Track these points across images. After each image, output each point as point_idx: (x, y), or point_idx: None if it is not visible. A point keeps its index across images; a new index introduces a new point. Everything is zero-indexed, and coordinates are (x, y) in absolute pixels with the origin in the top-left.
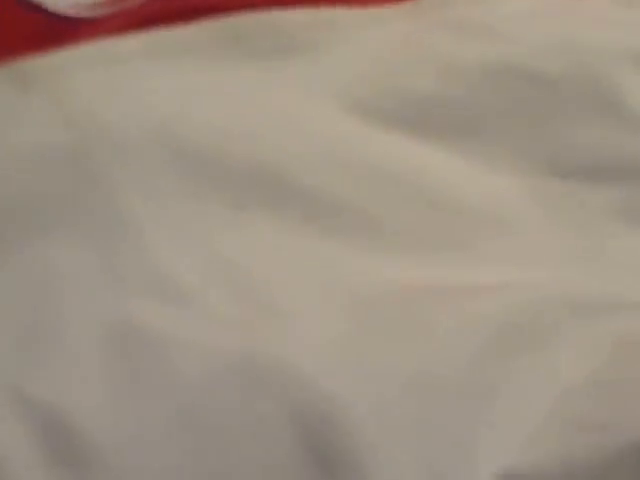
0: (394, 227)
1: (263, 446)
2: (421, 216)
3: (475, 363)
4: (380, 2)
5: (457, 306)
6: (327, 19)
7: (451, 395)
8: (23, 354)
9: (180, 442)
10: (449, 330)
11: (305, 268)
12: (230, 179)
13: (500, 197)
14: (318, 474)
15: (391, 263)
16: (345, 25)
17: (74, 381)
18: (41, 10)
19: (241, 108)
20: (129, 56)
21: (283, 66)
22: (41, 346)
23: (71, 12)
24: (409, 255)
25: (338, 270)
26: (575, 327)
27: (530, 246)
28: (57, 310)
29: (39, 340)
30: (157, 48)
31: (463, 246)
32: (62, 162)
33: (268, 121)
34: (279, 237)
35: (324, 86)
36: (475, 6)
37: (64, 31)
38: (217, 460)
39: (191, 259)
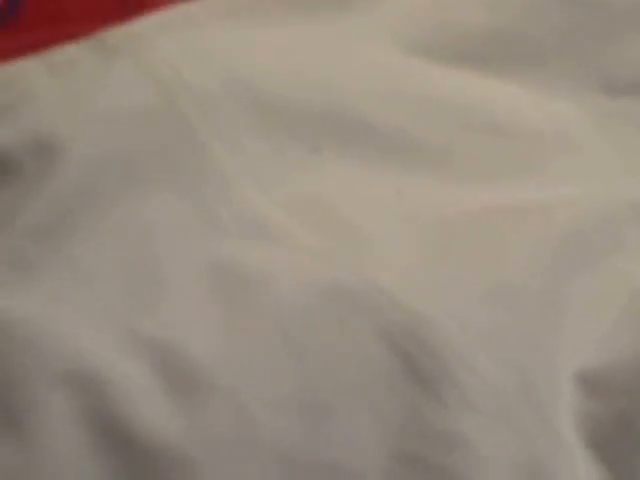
0: (465, 156)
1: (361, 364)
2: (489, 144)
3: (550, 271)
4: None
5: (529, 221)
6: None
7: (530, 303)
8: (133, 298)
9: (287, 367)
10: (523, 243)
11: (383, 199)
12: (305, 124)
13: (559, 120)
14: (412, 386)
15: (464, 189)
16: None
17: (183, 318)
18: None
19: (310, 58)
20: (204, 19)
21: (345, 17)
22: (148, 289)
23: None
24: (481, 181)
25: (414, 199)
26: None
27: (590, 163)
28: (158, 255)
29: (145, 283)
30: (227, 10)
31: (529, 168)
32: (152, 120)
33: (336, 67)
34: (355, 173)
35: (383, 31)
36: None
37: (136, 3)
38: (321, 380)
39: (275, 199)
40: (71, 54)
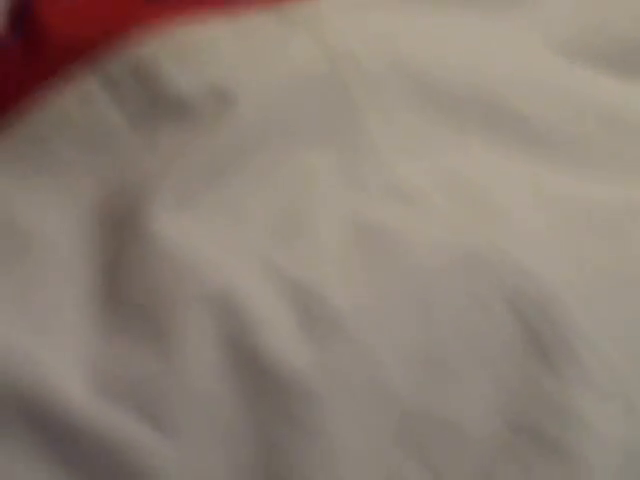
0: (603, 154)
1: (486, 331)
2: (629, 144)
3: None
4: None
5: None
6: None
7: None
8: (281, 239)
9: (416, 324)
10: None
11: (520, 183)
12: (454, 106)
13: None
14: (534, 358)
15: (602, 185)
16: None
17: (325, 264)
18: None
19: (464, 46)
20: (376, 3)
21: (500, 13)
22: (294, 231)
23: None
24: (619, 180)
25: (551, 187)
26: None
27: None
28: (309, 205)
29: (293, 227)
30: None
31: None
32: (321, 88)
33: (487, 57)
34: (496, 156)
35: (535, 30)
36: None
37: None
38: (447, 341)
39: (420, 169)
40: (256, 21)
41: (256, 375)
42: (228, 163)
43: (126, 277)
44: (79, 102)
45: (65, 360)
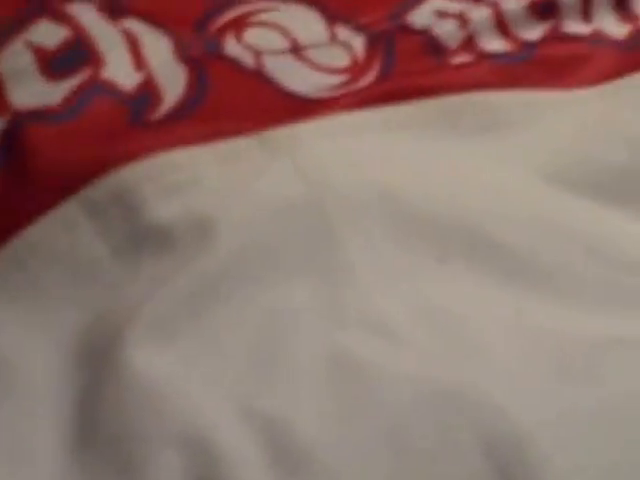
0: (588, 286)
1: (455, 469)
2: (613, 277)
3: None
4: (573, 84)
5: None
6: (528, 100)
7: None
8: (255, 374)
9: (385, 462)
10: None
11: (501, 315)
12: (436, 236)
13: None
14: None
15: (585, 318)
16: (544, 105)
17: (297, 399)
18: (282, 90)
19: (449, 176)
20: (359, 129)
21: (487, 141)
22: (270, 368)
23: (309, 93)
24: (603, 312)
25: (534, 320)
26: None
27: None
28: (286, 339)
29: (268, 362)
30: (382, 123)
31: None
32: (300, 217)
33: (472, 187)
34: (476, 287)
35: (521, 159)
36: None
37: (302, 108)
38: (415, 476)
39: (400, 302)
40: (238, 147)
41: None
42: (208, 294)
43: (102, 412)
44: (64, 230)
45: None
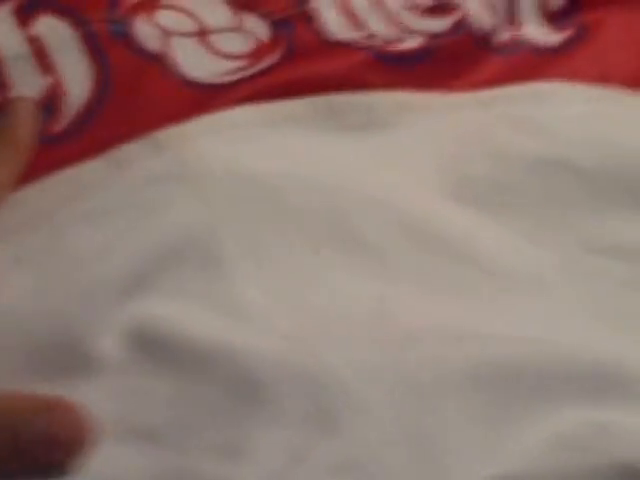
0: (440, 280)
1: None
2: (466, 274)
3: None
4: (463, 85)
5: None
6: (410, 102)
7: (450, 416)
8: None
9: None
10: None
11: (362, 305)
12: (310, 227)
13: (536, 265)
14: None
15: (435, 306)
16: (424, 108)
17: None
18: (182, 77)
19: (327, 171)
20: (246, 124)
21: (364, 140)
22: None
23: (207, 79)
24: (449, 303)
25: (393, 307)
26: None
27: (555, 311)
28: None
29: None
30: (270, 118)
31: (496, 301)
32: (179, 211)
33: (346, 183)
34: (346, 279)
35: (397, 158)
36: (537, 105)
37: (200, 99)
38: None
39: (268, 292)
40: (128, 151)
41: None
42: None
43: None
44: None
45: None
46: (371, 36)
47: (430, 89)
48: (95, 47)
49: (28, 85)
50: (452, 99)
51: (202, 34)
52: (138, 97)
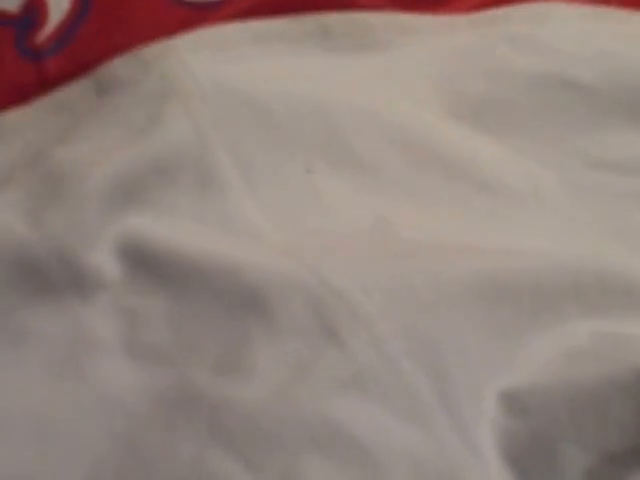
0: (437, 195)
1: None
2: (464, 190)
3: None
4: (452, 10)
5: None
6: (403, 23)
7: (462, 321)
8: None
9: None
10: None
11: (360, 221)
12: (304, 146)
13: (537, 181)
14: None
15: (434, 223)
16: (418, 30)
17: None
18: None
19: (317, 88)
20: (232, 42)
21: (360, 59)
22: None
23: None
24: (448, 221)
25: (390, 226)
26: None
27: (559, 225)
28: None
29: None
30: (255, 36)
31: (497, 216)
32: (170, 128)
33: (338, 100)
34: (342, 197)
35: (390, 80)
36: (536, 24)
37: (183, 18)
38: None
39: (260, 205)
40: (114, 69)
41: None
42: None
43: None
44: None
45: None
46: None
47: (420, 12)
48: None
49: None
50: (446, 20)
51: None
52: (122, 12)
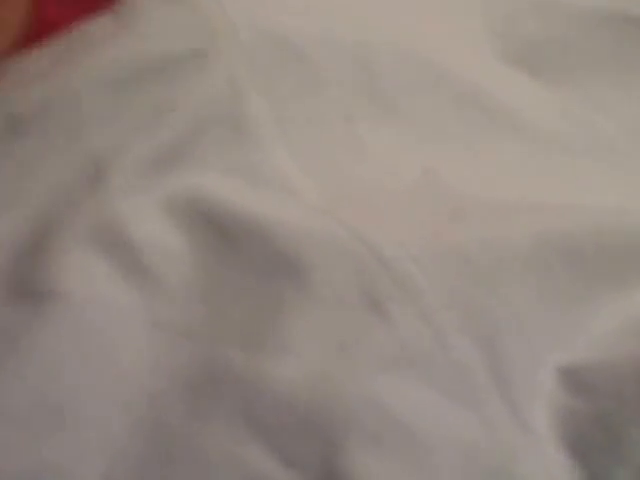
0: (489, 149)
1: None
2: (509, 138)
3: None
4: None
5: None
6: None
7: (520, 289)
8: None
9: None
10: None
11: (407, 177)
12: (341, 92)
13: (589, 129)
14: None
15: (485, 177)
16: None
17: None
18: None
19: (359, 25)
20: None
21: None
22: None
23: None
24: (499, 173)
25: (439, 180)
26: None
27: (615, 174)
28: None
29: None
30: None
31: (546, 167)
32: (197, 65)
33: (384, 40)
34: (384, 147)
35: (438, 16)
36: None
37: None
38: None
39: (298, 159)
40: (136, 2)
41: None
42: None
43: None
44: None
45: None
46: None
47: None
48: None
49: None
50: None
51: None
52: None
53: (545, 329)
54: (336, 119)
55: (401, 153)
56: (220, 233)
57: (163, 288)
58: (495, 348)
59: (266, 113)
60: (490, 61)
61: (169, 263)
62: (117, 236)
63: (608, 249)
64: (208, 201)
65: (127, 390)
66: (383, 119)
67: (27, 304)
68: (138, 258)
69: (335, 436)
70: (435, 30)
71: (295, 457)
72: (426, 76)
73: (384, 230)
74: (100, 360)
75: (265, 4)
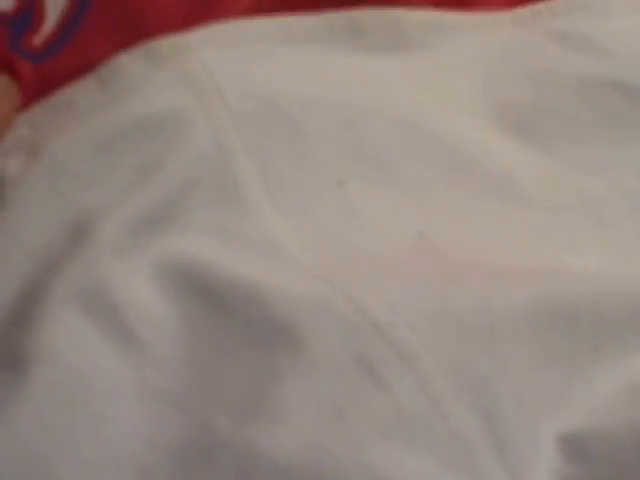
0: (481, 213)
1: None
2: (502, 207)
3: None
4: (494, 7)
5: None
6: (440, 21)
7: (517, 352)
8: None
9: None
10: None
11: (400, 237)
12: (335, 157)
13: (581, 192)
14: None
15: (479, 244)
16: (456, 28)
17: None
18: None
19: (351, 91)
20: (252, 38)
21: (394, 59)
22: None
23: None
24: (491, 242)
25: (434, 242)
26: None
27: (616, 242)
28: None
29: None
30: (278, 33)
31: (544, 234)
32: (188, 125)
33: (375, 106)
34: (378, 209)
35: (428, 82)
36: (581, 19)
37: (195, 10)
38: None
39: (288, 222)
40: (120, 64)
41: None
42: None
43: None
44: None
45: None
46: None
47: (457, 9)
48: None
49: None
50: (486, 18)
51: None
52: (125, 6)
53: (543, 395)
54: (327, 183)
55: (394, 218)
56: (211, 298)
57: (151, 356)
58: (493, 415)
59: (254, 174)
60: (482, 126)
61: (157, 330)
62: (104, 301)
63: (605, 314)
64: (198, 266)
65: (116, 463)
66: (374, 183)
67: (13, 371)
68: (126, 324)
69: None
70: (426, 94)
71: None
72: (416, 140)
73: (378, 295)
74: (88, 431)
75: (251, 66)
